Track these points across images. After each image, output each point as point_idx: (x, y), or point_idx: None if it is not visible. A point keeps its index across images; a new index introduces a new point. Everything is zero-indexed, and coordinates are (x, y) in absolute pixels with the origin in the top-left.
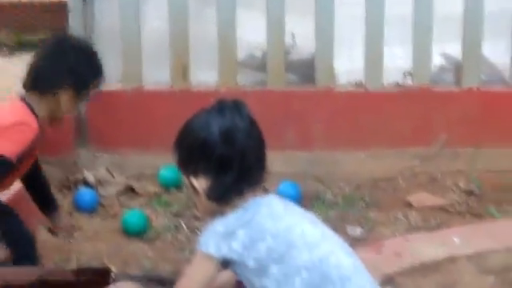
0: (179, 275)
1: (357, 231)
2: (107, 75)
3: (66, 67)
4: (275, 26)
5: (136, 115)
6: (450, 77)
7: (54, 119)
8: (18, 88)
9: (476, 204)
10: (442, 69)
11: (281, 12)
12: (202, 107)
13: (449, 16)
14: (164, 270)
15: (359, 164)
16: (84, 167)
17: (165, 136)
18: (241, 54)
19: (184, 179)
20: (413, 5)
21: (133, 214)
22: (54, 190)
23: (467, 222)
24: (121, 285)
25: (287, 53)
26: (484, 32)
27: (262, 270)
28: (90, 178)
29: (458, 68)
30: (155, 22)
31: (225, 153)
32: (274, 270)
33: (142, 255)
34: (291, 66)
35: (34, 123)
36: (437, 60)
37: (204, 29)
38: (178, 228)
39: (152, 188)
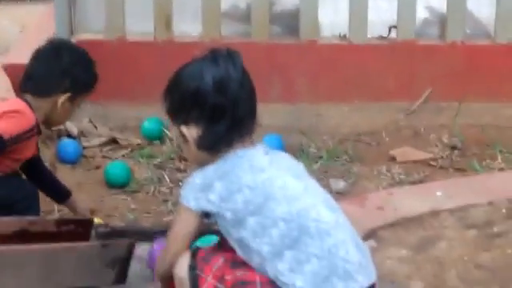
0: (161, 227)
1: (340, 185)
2: (90, 25)
3: (62, 71)
4: None
5: (119, 66)
6: (434, 30)
7: (49, 122)
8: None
9: (459, 158)
10: (426, 22)
11: None
12: (185, 58)
13: None
14: (147, 221)
15: (343, 117)
16: None
17: (148, 87)
18: (224, 5)
19: (173, 128)
20: None
21: (115, 165)
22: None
23: (450, 177)
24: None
25: (271, 4)
26: None
27: (238, 221)
28: (73, 129)
29: (442, 21)
30: None
31: (218, 102)
32: (250, 221)
33: (125, 207)
34: (275, 18)
35: (31, 115)
36: (421, 13)
37: None
38: (160, 180)
39: (135, 140)
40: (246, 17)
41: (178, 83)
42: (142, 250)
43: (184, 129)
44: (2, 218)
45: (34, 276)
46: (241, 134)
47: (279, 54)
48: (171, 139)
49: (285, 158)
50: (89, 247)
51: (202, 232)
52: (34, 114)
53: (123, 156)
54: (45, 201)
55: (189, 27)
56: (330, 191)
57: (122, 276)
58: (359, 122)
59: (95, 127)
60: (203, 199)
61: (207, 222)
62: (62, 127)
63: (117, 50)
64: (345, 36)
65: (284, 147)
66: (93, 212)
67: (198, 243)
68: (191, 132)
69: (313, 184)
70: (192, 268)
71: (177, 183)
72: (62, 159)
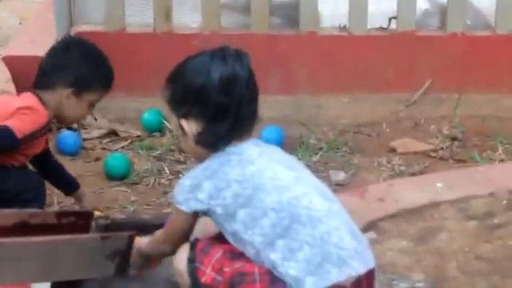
0: (161, 219)
1: (340, 176)
2: (90, 16)
3: (66, 65)
4: None
5: (119, 58)
6: (434, 21)
7: (60, 119)
8: None
9: (459, 149)
10: (426, 13)
11: None
12: (185, 50)
13: None
14: (147, 213)
15: (343, 109)
16: None
17: (148, 79)
18: None
19: (173, 118)
20: None
21: (115, 157)
22: None
23: (450, 168)
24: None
25: None
26: None
27: (229, 215)
28: None
29: (442, 12)
30: None
31: (222, 101)
32: (241, 214)
33: (125, 199)
34: (275, 9)
35: (43, 111)
36: (421, 4)
37: None
38: (160, 172)
39: (135, 132)
40: (245, 8)
41: (182, 75)
42: None
43: (183, 122)
44: (1, 210)
45: (33, 268)
46: (240, 133)
47: (279, 46)
48: (171, 131)
49: (276, 150)
50: (89, 239)
51: None
52: (47, 110)
53: (123, 148)
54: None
55: (188, 18)
56: (330, 183)
57: (122, 268)
58: (359, 113)
59: (95, 119)
60: (193, 200)
61: None
62: None
63: (116, 41)
64: (345, 27)
65: (284, 139)
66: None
67: None
68: (191, 127)
69: (305, 174)
70: (191, 260)
71: (177, 175)
72: (62, 151)
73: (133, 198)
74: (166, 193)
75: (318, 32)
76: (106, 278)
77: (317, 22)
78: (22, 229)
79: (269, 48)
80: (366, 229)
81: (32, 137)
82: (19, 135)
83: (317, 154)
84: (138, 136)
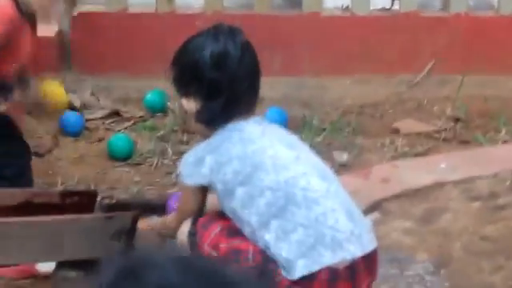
0: (165, 199)
1: (343, 157)
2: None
3: None
4: None
5: (121, 38)
6: (437, 2)
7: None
8: None
9: (463, 130)
10: None
11: None
12: (188, 30)
13: None
14: (150, 194)
15: (346, 90)
16: (70, 90)
17: (150, 59)
18: None
19: (177, 98)
20: None
21: (118, 137)
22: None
23: (454, 149)
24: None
25: None
26: None
27: (228, 192)
28: (76, 101)
29: None
30: None
31: (214, 77)
32: (239, 191)
33: (128, 179)
34: None
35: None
36: None
37: None
38: (163, 152)
39: (138, 112)
40: None
41: (181, 55)
42: None
43: (184, 101)
44: (7, 190)
45: (38, 248)
46: (240, 110)
47: (281, 26)
48: (174, 111)
49: (278, 129)
50: (93, 219)
51: None
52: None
53: (126, 128)
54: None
55: (192, 1)
56: (334, 163)
57: (127, 248)
58: (362, 94)
59: (98, 99)
60: (196, 174)
61: None
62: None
63: (118, 21)
64: (347, 8)
65: (287, 120)
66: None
67: None
68: (190, 105)
69: (306, 154)
70: (191, 234)
71: (180, 155)
72: (65, 131)
73: (136, 179)
74: (169, 173)
75: (321, 13)
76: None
77: (319, 3)
78: (27, 208)
79: (271, 28)
80: (370, 209)
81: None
82: None
83: (320, 134)
84: (140, 117)
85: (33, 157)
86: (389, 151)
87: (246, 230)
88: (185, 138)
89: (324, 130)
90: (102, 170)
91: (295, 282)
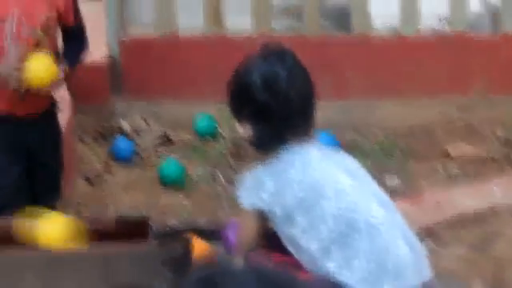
0: (216, 224)
1: (394, 181)
2: (141, 20)
3: None
4: None
5: (170, 62)
6: (487, 23)
7: None
8: None
9: None
10: (479, 15)
11: None
12: (237, 54)
13: None
14: (201, 219)
15: (395, 112)
16: (119, 116)
17: (200, 84)
18: (275, 0)
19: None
20: None
21: (169, 163)
22: (89, 140)
23: (506, 172)
24: None
25: None
26: None
27: (288, 218)
28: (126, 126)
29: (495, 14)
30: None
31: (264, 100)
32: (300, 218)
33: (179, 205)
34: (326, 12)
35: None
36: (474, 6)
37: None
38: (214, 178)
39: (188, 137)
40: (296, 11)
41: (233, 79)
42: None
43: (238, 125)
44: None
45: (92, 276)
46: (294, 132)
47: (330, 49)
48: (223, 136)
49: (338, 155)
50: (146, 246)
51: None
52: None
53: (176, 154)
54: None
55: (240, 22)
56: (385, 188)
57: (180, 274)
58: (412, 116)
59: (148, 125)
60: (255, 197)
61: None
62: (115, 125)
63: (168, 46)
64: (396, 29)
65: (337, 143)
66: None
67: None
68: (244, 129)
69: (366, 180)
70: None
71: (230, 180)
72: (117, 157)
73: (187, 204)
74: (219, 198)
75: (370, 35)
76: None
77: (368, 25)
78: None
79: (320, 51)
80: (423, 236)
81: None
82: None
83: (370, 158)
84: (190, 141)
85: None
86: (440, 175)
87: (305, 259)
88: (235, 163)
89: (374, 153)
90: (153, 195)
91: None
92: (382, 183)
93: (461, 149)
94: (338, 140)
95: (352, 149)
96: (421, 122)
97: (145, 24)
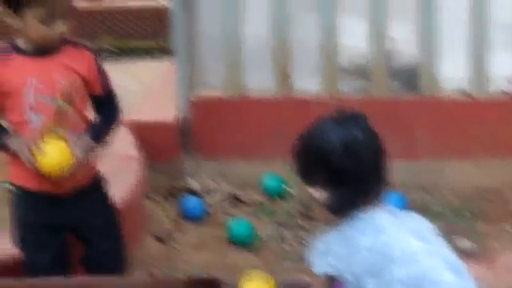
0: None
1: (465, 244)
2: (210, 81)
3: None
4: (377, 32)
5: (238, 122)
6: None
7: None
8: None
9: None
10: None
11: (382, 17)
12: (305, 114)
13: None
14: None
15: (466, 174)
16: (189, 175)
17: (268, 144)
18: (343, 61)
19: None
20: None
21: (238, 222)
22: (159, 198)
23: None
24: None
25: (390, 59)
26: None
27: (358, 284)
28: (195, 185)
29: None
30: (257, 27)
31: (344, 166)
32: (370, 284)
33: (249, 264)
34: (394, 73)
35: None
36: None
37: (305, 35)
38: (283, 237)
39: (256, 196)
40: (364, 72)
41: (305, 144)
42: None
43: (311, 190)
44: (130, 277)
45: None
46: (368, 196)
47: (399, 110)
48: (292, 196)
49: (409, 218)
50: None
51: None
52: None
53: (245, 213)
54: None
55: (307, 83)
56: (455, 250)
57: None
58: (482, 178)
59: (217, 184)
60: (325, 264)
61: None
62: (184, 184)
63: (236, 106)
64: (465, 90)
65: (406, 204)
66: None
67: None
68: (318, 193)
69: (437, 243)
70: None
71: (299, 241)
72: (186, 216)
73: (256, 264)
74: (288, 258)
75: (438, 96)
76: None
77: (436, 85)
78: None
79: (389, 112)
80: None
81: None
82: None
83: (440, 220)
84: (259, 201)
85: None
86: (510, 237)
87: None
88: (304, 223)
89: (444, 215)
90: (221, 254)
91: None
92: (452, 245)
93: None
94: (408, 201)
95: (421, 210)
96: (490, 183)
97: (214, 85)
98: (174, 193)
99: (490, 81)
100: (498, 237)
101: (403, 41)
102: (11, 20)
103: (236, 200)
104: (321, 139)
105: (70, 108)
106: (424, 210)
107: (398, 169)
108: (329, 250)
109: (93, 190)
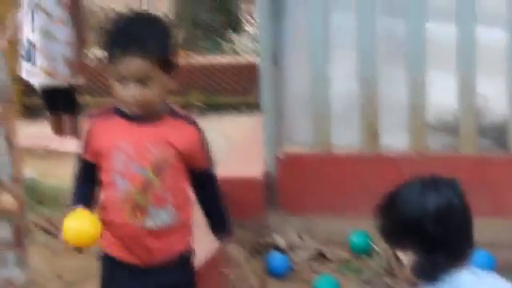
0: None
1: None
2: (297, 137)
3: None
4: (466, 88)
5: (325, 179)
6: None
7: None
8: None
9: None
10: None
11: (471, 73)
12: (392, 172)
13: None
14: None
15: None
16: (274, 231)
17: (355, 201)
18: (431, 117)
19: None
20: None
21: (324, 280)
22: (245, 254)
23: None
24: None
25: (479, 116)
26: None
27: None
28: (281, 242)
29: None
30: (344, 83)
31: (438, 232)
32: None
33: None
34: (483, 130)
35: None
36: None
37: (393, 91)
38: None
39: (342, 253)
40: (453, 129)
41: (395, 206)
42: None
43: (399, 252)
44: None
45: None
46: (458, 261)
47: (488, 168)
48: (378, 253)
49: (492, 279)
50: None
51: None
52: None
53: (330, 270)
54: None
55: (395, 139)
56: None
57: None
58: None
59: (302, 240)
60: None
61: None
62: (270, 240)
63: (323, 162)
64: None
65: (495, 264)
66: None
67: None
68: (406, 257)
69: None
70: None
71: None
72: (271, 272)
73: None
74: None
75: None
76: None
77: None
78: None
79: (478, 170)
80: None
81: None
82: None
83: None
84: (345, 258)
85: None
86: None
87: None
88: (390, 280)
89: None
90: None
91: None
92: None
93: None
94: (496, 260)
95: (509, 269)
96: None
97: (301, 143)
98: (260, 249)
99: None
100: None
101: (492, 97)
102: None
103: (322, 257)
104: (413, 204)
105: (158, 180)
106: None
107: (486, 227)
108: None
109: (179, 264)
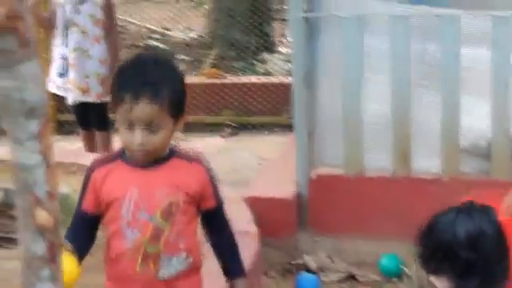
0: None
1: None
2: (329, 159)
3: None
4: (499, 113)
5: (356, 201)
6: None
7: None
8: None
9: None
10: None
11: (506, 98)
12: (424, 195)
13: None
14: None
15: None
16: (305, 252)
17: (385, 223)
18: (464, 141)
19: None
20: None
21: None
22: (275, 274)
23: None
24: None
25: None
26: None
27: None
28: (311, 263)
29: None
30: (377, 106)
31: (470, 258)
32: None
33: None
34: None
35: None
36: None
37: (426, 114)
38: None
39: (373, 276)
40: (485, 154)
41: (430, 232)
42: None
43: (433, 279)
44: None
45: None
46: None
47: None
48: (409, 277)
49: None
50: None
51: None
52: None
53: None
54: None
55: (427, 163)
56: None
57: None
58: None
59: (333, 262)
60: None
61: None
62: (300, 261)
63: (354, 184)
64: None
65: None
66: None
67: None
68: (441, 283)
69: None
70: None
71: None
72: None
73: None
74: None
75: None
76: None
77: None
78: None
79: None
80: None
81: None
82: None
83: None
84: (376, 281)
85: None
86: None
87: None
88: None
89: None
90: None
91: None
92: None
93: None
94: None
95: None
96: None
97: (333, 165)
98: (290, 270)
99: None
100: None
101: None
102: None
103: (353, 279)
104: (445, 229)
105: (168, 226)
106: None
107: None
108: None
109: None
